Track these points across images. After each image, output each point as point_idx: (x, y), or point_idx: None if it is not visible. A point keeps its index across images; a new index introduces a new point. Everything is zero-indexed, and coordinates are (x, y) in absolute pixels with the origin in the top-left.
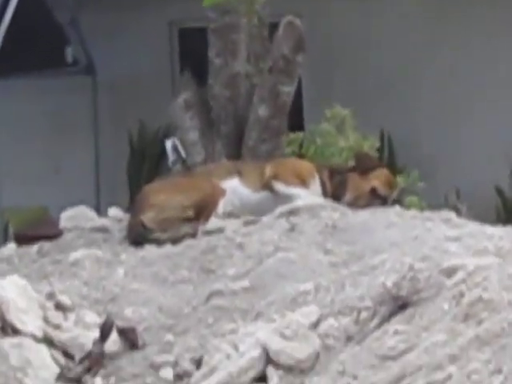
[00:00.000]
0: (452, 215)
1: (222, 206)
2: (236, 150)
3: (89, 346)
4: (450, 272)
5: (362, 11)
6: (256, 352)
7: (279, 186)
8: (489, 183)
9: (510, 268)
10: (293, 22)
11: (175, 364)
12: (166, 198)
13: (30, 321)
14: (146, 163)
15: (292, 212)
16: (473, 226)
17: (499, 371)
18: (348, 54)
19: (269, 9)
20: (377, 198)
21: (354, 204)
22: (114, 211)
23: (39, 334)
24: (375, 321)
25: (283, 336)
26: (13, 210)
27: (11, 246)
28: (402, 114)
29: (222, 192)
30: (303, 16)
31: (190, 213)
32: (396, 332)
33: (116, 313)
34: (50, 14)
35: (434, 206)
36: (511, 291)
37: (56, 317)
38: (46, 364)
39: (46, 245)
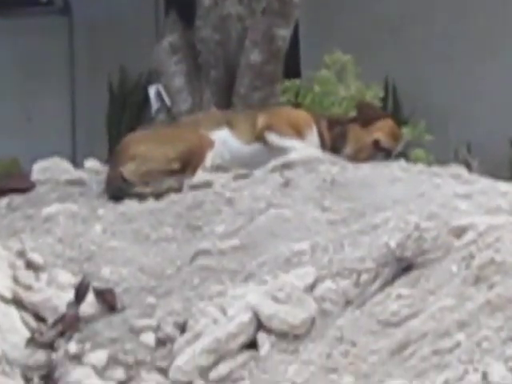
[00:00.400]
0: (462, 170)
1: (210, 159)
2: (226, 98)
3: (62, 308)
4: (460, 232)
5: None
6: (246, 316)
7: (273, 138)
8: (503, 136)
9: None
10: None
11: (157, 328)
12: (148, 148)
13: None
14: (127, 112)
15: (287, 165)
16: (485, 183)
17: None
18: None
19: None
20: (380, 151)
21: (355, 157)
22: (91, 163)
23: (8, 294)
24: (377, 284)
25: (276, 299)
26: None
27: None
28: (407, 61)
29: (211, 143)
30: None
31: (175, 165)
32: (399, 296)
33: (92, 273)
34: None
35: (443, 161)
36: None
37: (27, 276)
38: (15, 327)
39: (17, 198)
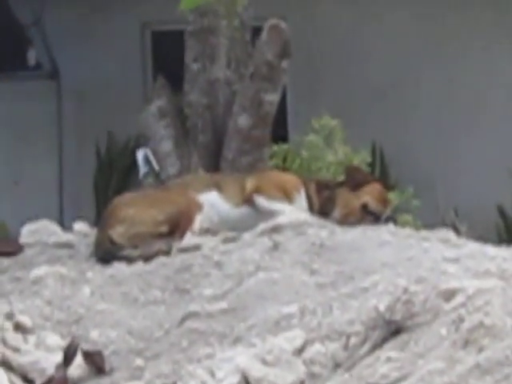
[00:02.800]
0: (450, 235)
1: (198, 222)
2: (214, 163)
3: (51, 370)
4: (449, 295)
5: (354, 15)
6: (235, 379)
7: (261, 201)
8: (490, 202)
9: None
10: (278, 25)
11: None
12: (137, 211)
13: None
14: (115, 176)
15: (275, 229)
16: (473, 247)
17: None
18: (337, 61)
19: (252, 11)
20: (368, 215)
21: (344, 221)
22: (79, 225)
23: None
24: (366, 347)
25: (265, 362)
26: None
27: None
28: (395, 127)
29: (199, 206)
30: (289, 19)
31: (164, 228)
32: (389, 359)
33: (81, 335)
34: (11, 14)
35: (431, 226)
36: None
37: (15, 339)
38: None
39: (5, 261)
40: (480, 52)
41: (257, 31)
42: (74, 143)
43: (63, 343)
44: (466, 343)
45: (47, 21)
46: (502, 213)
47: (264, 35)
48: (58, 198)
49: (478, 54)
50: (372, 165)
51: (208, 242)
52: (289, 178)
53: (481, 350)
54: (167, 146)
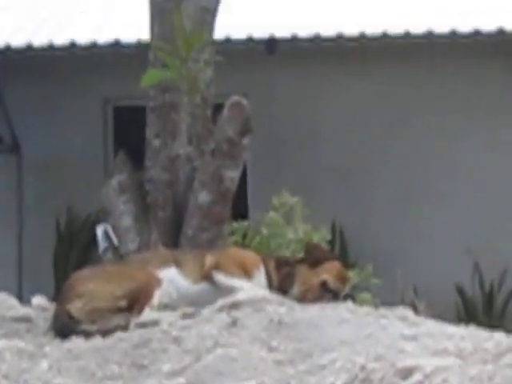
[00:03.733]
0: (409, 313)
1: (157, 297)
2: (174, 239)
3: None
4: (406, 373)
5: (313, 92)
6: None
7: (220, 277)
8: (449, 281)
9: (472, 370)
10: (239, 102)
11: None
12: (95, 286)
13: None
14: (74, 250)
15: (234, 305)
16: (431, 325)
17: None
18: (299, 139)
19: (213, 88)
20: (327, 293)
21: (303, 298)
22: (37, 300)
23: None
24: None
25: None
26: None
27: None
28: (356, 205)
29: (158, 282)
30: (250, 97)
31: (123, 303)
32: None
33: None
34: None
35: (390, 304)
36: None
37: None
38: None
39: None
40: (436, 134)
41: (218, 108)
42: (35, 217)
43: None
44: None
45: (8, 96)
46: (460, 292)
47: (225, 112)
48: (17, 272)
49: (436, 136)
50: (332, 242)
51: (167, 318)
52: (248, 255)
53: None
54: (127, 221)
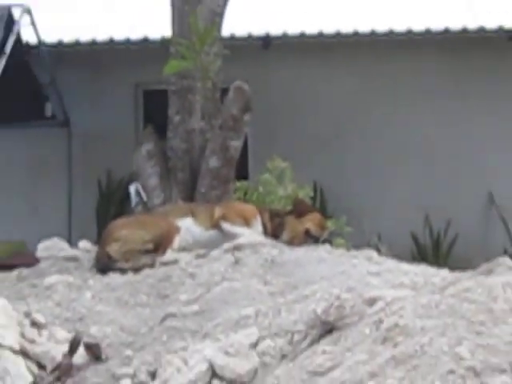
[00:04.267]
0: (374, 254)
1: (177, 242)
2: (190, 195)
3: (59, 358)
4: (371, 302)
5: (300, 79)
6: (203, 366)
7: (226, 226)
8: (405, 229)
9: (423, 299)
10: (241, 86)
11: (133, 376)
12: (128, 232)
13: (9, 335)
14: (112, 205)
15: (237, 248)
16: (391, 264)
17: None
18: (287, 116)
19: (221, 75)
20: (310, 238)
21: (291, 242)
22: (83, 243)
23: (16, 347)
24: (306, 342)
25: (227, 353)
26: None
27: None
28: (332, 169)
29: (177, 229)
30: (250, 82)
31: (150, 246)
32: (324, 352)
33: (83, 331)
34: (32, 75)
35: (359, 247)
36: (423, 319)
37: (31, 333)
38: (21, 373)
39: (24, 271)
40: (404, 108)
41: (224, 91)
42: (81, 179)
43: (69, 337)
44: (384, 340)
45: (60, 81)
46: (414, 238)
47: (230, 94)
48: (67, 222)
49: (403, 109)
50: (313, 198)
51: (184, 258)
52: (248, 208)
53: (396, 345)
54: (153, 181)
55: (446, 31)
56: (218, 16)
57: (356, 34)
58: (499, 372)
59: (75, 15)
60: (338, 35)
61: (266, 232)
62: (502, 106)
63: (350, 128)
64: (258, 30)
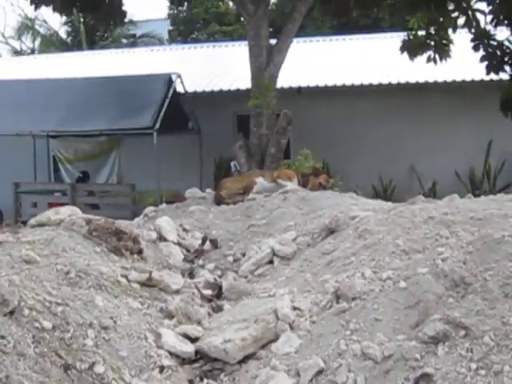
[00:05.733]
0: (354, 195)
1: (254, 189)
2: (261, 167)
3: (196, 246)
4: (353, 218)
5: (317, 111)
6: (268, 250)
7: (279, 181)
8: (369, 184)
9: (379, 216)
10: (286, 112)
11: (234, 255)
12: (230, 184)
13: (171, 235)
14: (222, 172)
15: (285, 191)
16: (362, 199)
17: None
18: (311, 129)
19: (275, 107)
20: (321, 187)
21: (312, 189)
22: (208, 191)
23: (176, 240)
24: (320, 238)
25: (280, 244)
26: (164, 191)
27: (163, 205)
28: (333, 155)
29: (255, 183)
30: (291, 111)
31: (241, 191)
32: (329, 243)
33: (208, 232)
34: (181, 108)
35: (346, 191)
36: (379, 225)
37: (182, 234)
38: (178, 253)
39: (179, 204)
40: (380, 127)
41: (277, 115)
42: (206, 159)
43: (201, 236)
44: (359, 236)
45: (196, 110)
46: (374, 188)
47: (281, 116)
48: (199, 181)
49: (381, 128)
50: (323, 168)
51: (258, 197)
52: (290, 172)
53: (365, 239)
54: (242, 160)
55: (404, 84)
56: (274, 77)
57: (352, 85)
58: (418, 252)
59: (201, 78)
60: (335, 86)
61: (299, 184)
62: (423, 120)
63: (345, 136)
64: (295, 83)
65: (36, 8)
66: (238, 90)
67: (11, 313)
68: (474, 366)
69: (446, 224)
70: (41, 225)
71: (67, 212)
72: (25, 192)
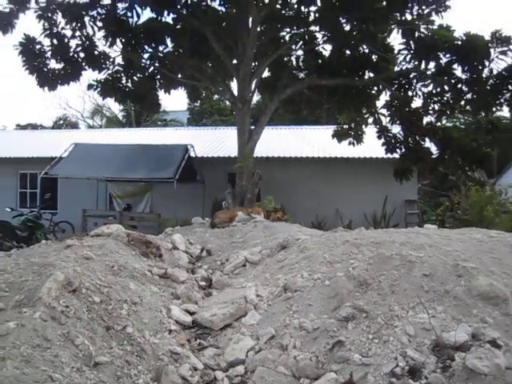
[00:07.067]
0: (298, 225)
1: (236, 219)
2: (242, 205)
3: (197, 253)
4: (297, 239)
5: (283, 172)
6: (242, 258)
7: (252, 214)
8: (310, 221)
9: (314, 239)
10: (258, 172)
11: (221, 260)
12: (222, 215)
13: (181, 245)
14: (216, 207)
15: (255, 221)
16: (304, 228)
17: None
18: (273, 183)
19: (253, 168)
20: (279, 220)
21: (273, 221)
22: (206, 219)
23: (184, 249)
24: (276, 251)
25: (252, 254)
26: (179, 218)
27: (178, 227)
28: (287, 200)
29: (237, 215)
30: (261, 171)
31: (228, 220)
32: (282, 255)
33: (204, 245)
34: (193, 167)
35: (294, 223)
36: (314, 244)
37: (189, 246)
38: (185, 258)
39: (187, 227)
40: (317, 183)
41: (253, 174)
42: (207, 199)
43: (200, 247)
44: (301, 251)
45: (202, 168)
46: (313, 222)
47: (255, 174)
48: (201, 213)
49: (318, 184)
50: (280, 208)
51: (239, 224)
52: (259, 209)
53: (305, 252)
54: (230, 201)
55: (334, 157)
56: (252, 149)
57: (301, 157)
58: (337, 262)
59: (206, 148)
60: (291, 157)
61: (265, 217)
62: (346, 181)
63: (295, 189)
64: (265, 154)
65: (103, 99)
66: (229, 157)
67: (74, 291)
68: (370, 336)
69: (356, 245)
70: (97, 235)
71: (115, 227)
72: (89, 215)
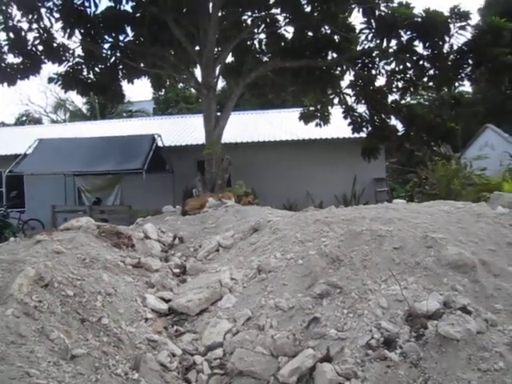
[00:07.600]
0: (269, 207)
1: (207, 204)
2: (212, 191)
3: (169, 241)
4: (269, 221)
5: (248, 155)
6: (215, 243)
7: (223, 199)
8: (281, 204)
9: (286, 219)
10: (228, 157)
11: (194, 246)
12: (192, 202)
13: (153, 234)
14: (187, 195)
15: (226, 206)
16: (276, 210)
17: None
18: (243, 166)
19: (222, 154)
20: (250, 203)
21: (244, 205)
22: (177, 207)
23: (156, 238)
24: (248, 234)
25: (224, 238)
26: (149, 209)
27: (149, 217)
28: (258, 183)
29: (208, 201)
30: (231, 157)
31: (199, 207)
32: (254, 237)
33: (177, 233)
34: (161, 156)
35: (264, 205)
36: (286, 225)
37: (161, 234)
38: (157, 246)
39: (157, 216)
40: (289, 165)
41: (222, 159)
42: (178, 188)
43: (172, 235)
44: (273, 233)
45: (171, 157)
46: (284, 204)
47: (224, 160)
48: (172, 202)
49: (289, 166)
50: (251, 192)
51: (210, 210)
52: (230, 194)
53: (277, 234)
54: (200, 188)
55: (301, 140)
56: (220, 136)
57: (269, 141)
58: (309, 241)
59: (173, 137)
60: (258, 142)
61: (235, 202)
62: (315, 163)
63: (265, 173)
64: (233, 139)
65: (65, 92)
66: (197, 145)
67: (46, 285)
68: (345, 311)
69: (327, 223)
70: (67, 229)
71: (84, 220)
72: (59, 211)
